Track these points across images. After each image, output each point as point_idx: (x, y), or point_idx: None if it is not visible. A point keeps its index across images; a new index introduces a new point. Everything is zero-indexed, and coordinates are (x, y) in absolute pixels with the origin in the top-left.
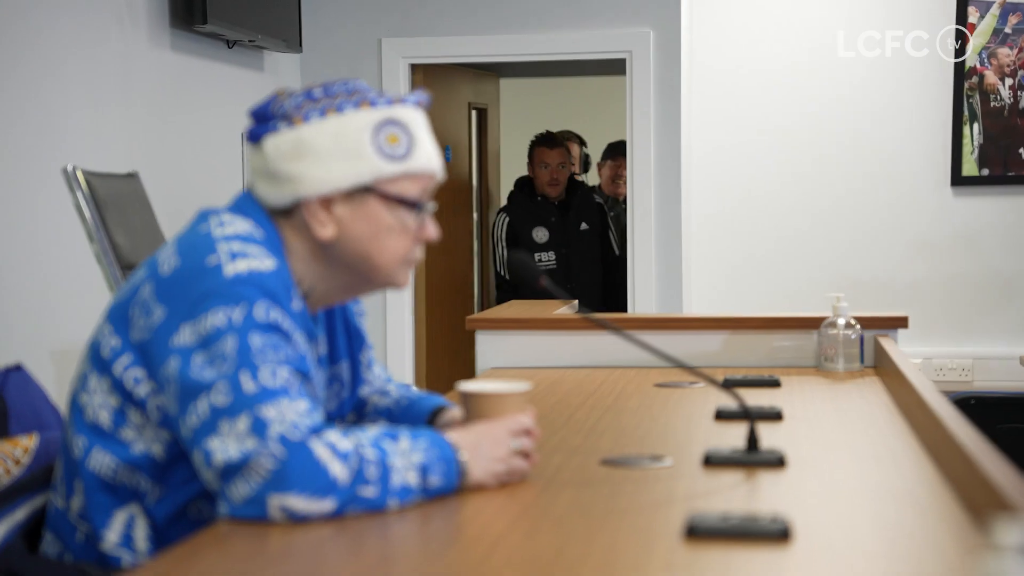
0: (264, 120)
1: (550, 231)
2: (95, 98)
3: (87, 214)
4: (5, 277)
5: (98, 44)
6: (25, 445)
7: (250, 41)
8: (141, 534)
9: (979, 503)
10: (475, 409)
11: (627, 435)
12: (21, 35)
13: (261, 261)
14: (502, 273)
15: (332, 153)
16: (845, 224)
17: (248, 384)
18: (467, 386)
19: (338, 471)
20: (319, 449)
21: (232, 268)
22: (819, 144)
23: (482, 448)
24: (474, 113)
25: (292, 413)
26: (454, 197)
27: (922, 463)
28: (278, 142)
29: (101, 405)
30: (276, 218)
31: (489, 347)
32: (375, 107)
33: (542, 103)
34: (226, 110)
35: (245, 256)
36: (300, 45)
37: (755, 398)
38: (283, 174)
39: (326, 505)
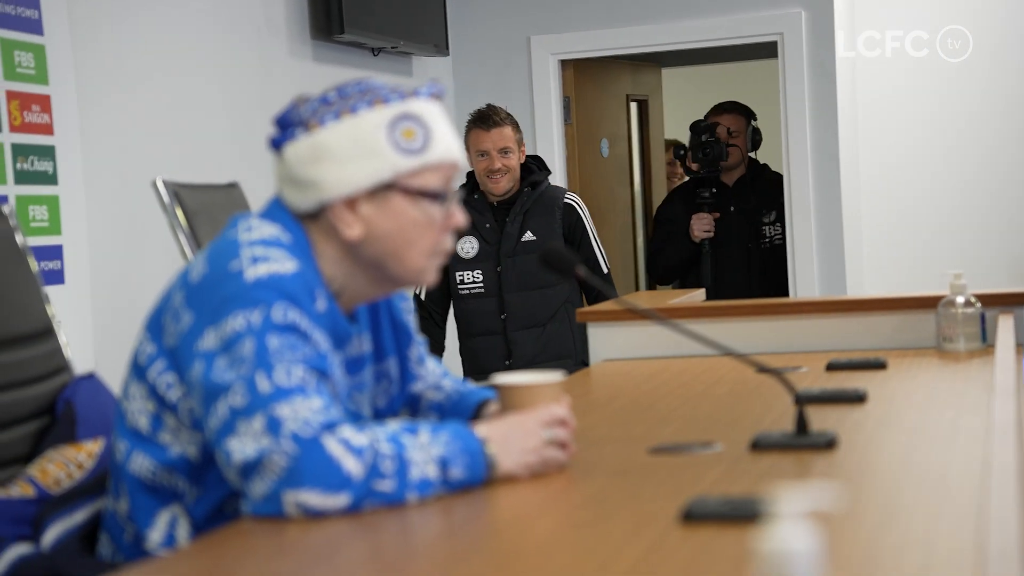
0: (284, 128)
1: (482, 242)
2: (236, 110)
3: (174, 225)
4: (146, 289)
5: (238, 57)
6: (89, 450)
7: (393, 47)
8: (183, 533)
9: None
10: (508, 401)
11: (695, 423)
12: (162, 48)
13: (282, 264)
14: (418, 293)
15: (350, 154)
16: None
17: (263, 384)
18: (500, 379)
19: (352, 466)
20: (332, 445)
21: (253, 272)
22: (993, 119)
23: (512, 439)
24: (634, 105)
25: (306, 411)
26: (613, 191)
27: (984, 449)
28: (297, 148)
29: (139, 410)
30: (304, 222)
31: (601, 339)
32: (388, 104)
33: (704, 91)
34: None
35: (266, 260)
36: (447, 48)
37: (855, 380)
38: (305, 179)
39: (341, 500)
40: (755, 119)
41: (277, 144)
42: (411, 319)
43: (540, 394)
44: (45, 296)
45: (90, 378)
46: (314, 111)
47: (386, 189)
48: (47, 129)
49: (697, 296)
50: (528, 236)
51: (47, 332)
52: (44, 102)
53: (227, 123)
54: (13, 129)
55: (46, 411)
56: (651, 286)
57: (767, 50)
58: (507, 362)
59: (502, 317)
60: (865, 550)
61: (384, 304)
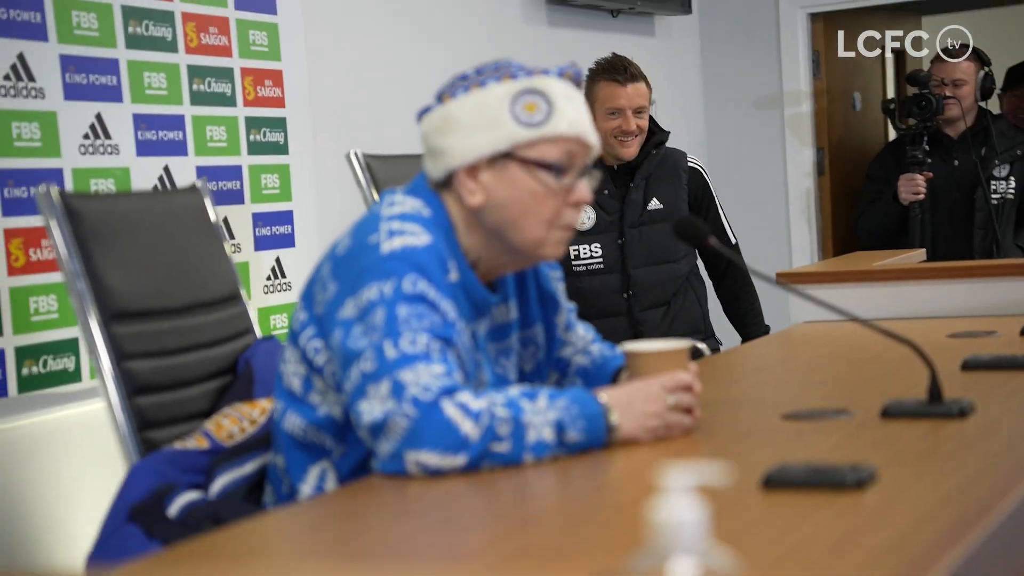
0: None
1: (600, 211)
2: None
3: (366, 196)
4: None
5: (468, 25)
6: (264, 407)
7: (630, 8)
8: (331, 486)
9: None
10: (634, 367)
11: (849, 387)
12: (390, 21)
13: (417, 237)
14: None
15: (474, 124)
16: None
17: (390, 351)
18: (628, 346)
19: (468, 429)
20: (449, 409)
21: (388, 245)
22: None
23: (635, 404)
24: (890, 56)
25: (427, 376)
26: (866, 145)
27: None
28: (431, 119)
29: (294, 373)
30: (440, 192)
31: (800, 301)
32: (515, 79)
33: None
34: None
35: (401, 234)
36: (690, 6)
37: None
38: (436, 148)
39: (458, 460)
40: (989, 65)
41: (419, 117)
42: (559, 287)
43: (666, 361)
44: (232, 263)
45: (270, 340)
46: (451, 85)
47: (505, 158)
48: (279, 102)
49: (914, 257)
50: (655, 204)
51: (233, 297)
52: (276, 77)
53: None
54: (247, 103)
55: (228, 370)
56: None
57: None
58: None
59: (626, 295)
60: (914, 505)
61: (532, 273)
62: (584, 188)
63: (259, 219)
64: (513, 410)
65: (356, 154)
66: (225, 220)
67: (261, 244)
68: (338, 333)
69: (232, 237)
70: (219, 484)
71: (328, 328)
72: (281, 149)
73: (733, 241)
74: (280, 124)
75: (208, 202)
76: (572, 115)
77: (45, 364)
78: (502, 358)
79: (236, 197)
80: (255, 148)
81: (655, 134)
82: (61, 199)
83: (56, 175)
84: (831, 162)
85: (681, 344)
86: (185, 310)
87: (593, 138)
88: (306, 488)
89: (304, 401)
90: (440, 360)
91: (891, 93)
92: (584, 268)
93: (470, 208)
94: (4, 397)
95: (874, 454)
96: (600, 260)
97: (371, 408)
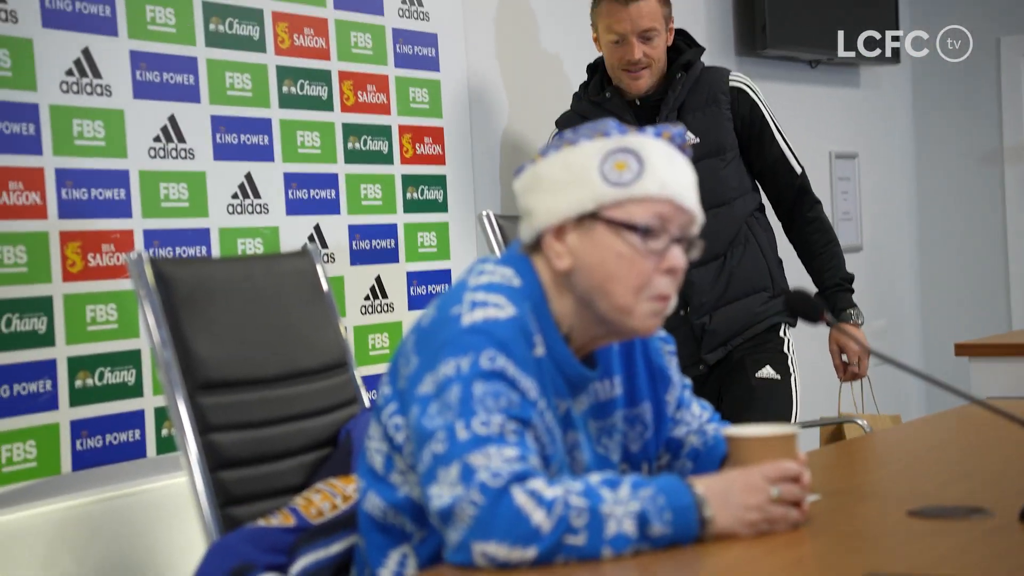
0: None
1: None
2: None
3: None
4: None
5: None
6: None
7: (829, 60)
8: (411, 573)
9: None
10: (736, 455)
11: (996, 483)
12: (570, 73)
13: (501, 310)
14: None
15: (561, 183)
16: None
17: (462, 433)
18: (730, 430)
19: (540, 519)
20: (520, 497)
21: (469, 318)
22: None
23: (732, 495)
24: None
25: (498, 460)
26: None
27: None
28: (523, 179)
29: (376, 450)
30: (532, 256)
31: (984, 374)
32: (608, 137)
33: None
34: (814, 130)
35: (484, 305)
36: (898, 56)
37: None
38: (525, 209)
39: (528, 553)
40: None
41: (515, 177)
42: (672, 361)
43: (769, 448)
44: (341, 330)
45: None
46: (547, 146)
47: (591, 219)
48: (439, 160)
49: None
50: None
51: (339, 366)
52: (437, 134)
53: None
54: (404, 161)
55: (327, 442)
56: None
57: None
58: (682, 312)
59: None
60: None
61: (640, 346)
62: (678, 255)
63: (414, 278)
64: (591, 500)
65: (488, 215)
66: (378, 279)
67: (416, 303)
68: (415, 410)
69: (384, 296)
70: (300, 565)
71: (407, 404)
72: (439, 207)
73: (799, 171)
74: (439, 181)
75: (319, 266)
76: (666, 176)
77: (101, 376)
78: (604, 437)
79: (390, 256)
80: (411, 206)
81: (683, 52)
82: (152, 266)
83: (122, 177)
84: None
85: (788, 430)
86: (280, 379)
87: (691, 203)
88: (385, 573)
89: (385, 480)
90: (515, 443)
91: None
92: None
93: (558, 272)
94: (55, 410)
95: (995, 566)
96: None
97: (440, 493)
